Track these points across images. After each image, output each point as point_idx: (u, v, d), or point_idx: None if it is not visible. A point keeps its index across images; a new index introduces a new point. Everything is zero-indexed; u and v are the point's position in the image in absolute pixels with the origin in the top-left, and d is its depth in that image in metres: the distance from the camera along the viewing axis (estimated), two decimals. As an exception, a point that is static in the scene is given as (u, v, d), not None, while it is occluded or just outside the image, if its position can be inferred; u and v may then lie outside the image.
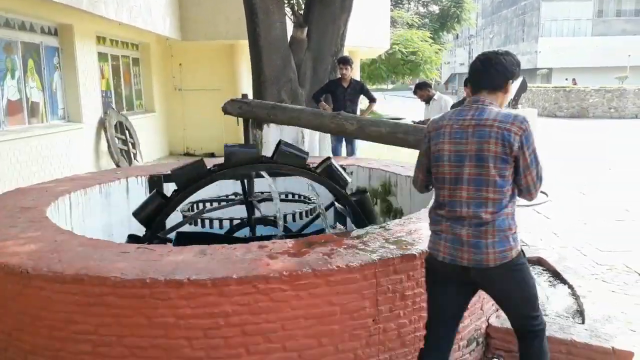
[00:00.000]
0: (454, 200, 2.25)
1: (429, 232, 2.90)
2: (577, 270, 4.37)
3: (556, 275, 4.23)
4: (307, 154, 3.76)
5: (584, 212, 6.97)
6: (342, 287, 2.44)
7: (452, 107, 6.22)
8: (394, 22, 23.80)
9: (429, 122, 2.43)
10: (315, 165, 3.85)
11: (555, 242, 5.49)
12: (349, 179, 3.81)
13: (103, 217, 4.65)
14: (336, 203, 3.94)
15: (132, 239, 3.36)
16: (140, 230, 3.76)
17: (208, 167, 3.62)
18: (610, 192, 8.28)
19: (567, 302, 3.72)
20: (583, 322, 3.34)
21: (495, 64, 2.28)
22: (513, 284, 2.30)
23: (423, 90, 6.99)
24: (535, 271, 4.40)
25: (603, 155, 12.30)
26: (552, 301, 3.75)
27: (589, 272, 4.44)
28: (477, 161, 2.19)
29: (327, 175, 3.65)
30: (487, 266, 2.21)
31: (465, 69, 61.10)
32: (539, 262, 4.53)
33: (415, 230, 2.99)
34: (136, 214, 3.43)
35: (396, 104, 36.58)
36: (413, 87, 7.45)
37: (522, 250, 2.30)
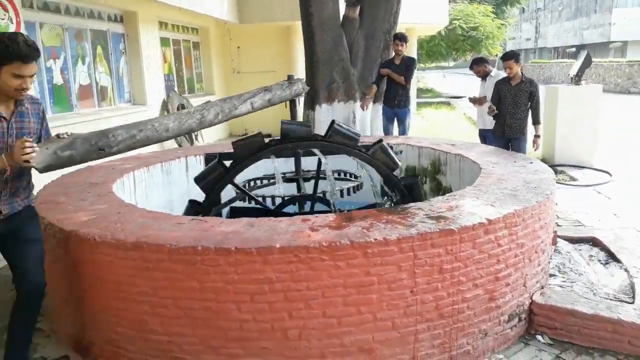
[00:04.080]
0: None
1: (467, 208, 2.94)
2: (634, 251, 4.23)
3: (610, 255, 4.13)
4: (359, 134, 3.83)
5: (650, 192, 6.63)
6: (379, 258, 2.54)
7: (495, 84, 6.08)
8: (454, -2, 23.09)
9: None
10: (369, 144, 3.92)
11: (614, 223, 5.30)
12: (399, 163, 3.85)
13: (165, 193, 4.96)
14: (384, 186, 4.00)
15: (193, 203, 3.61)
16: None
17: (267, 142, 3.76)
18: (681, 172, 7.81)
19: (619, 282, 3.64)
20: (633, 302, 3.27)
21: None
22: None
23: (479, 66, 6.81)
24: (588, 251, 4.31)
25: (678, 134, 11.53)
26: (602, 280, 3.68)
27: (648, 253, 4.29)
28: None
29: (378, 157, 3.71)
30: None
31: (532, 45, 58.39)
32: (593, 241, 4.43)
33: (457, 206, 3.03)
34: (197, 180, 3.65)
35: (456, 82, 35.63)
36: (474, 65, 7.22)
37: None
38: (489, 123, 6.62)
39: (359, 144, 3.77)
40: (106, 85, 8.54)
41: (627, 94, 22.63)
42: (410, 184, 3.89)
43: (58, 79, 7.26)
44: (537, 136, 6.04)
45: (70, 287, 2.99)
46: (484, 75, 6.80)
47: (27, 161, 2.43)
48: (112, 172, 4.40)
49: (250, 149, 3.63)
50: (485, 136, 6.78)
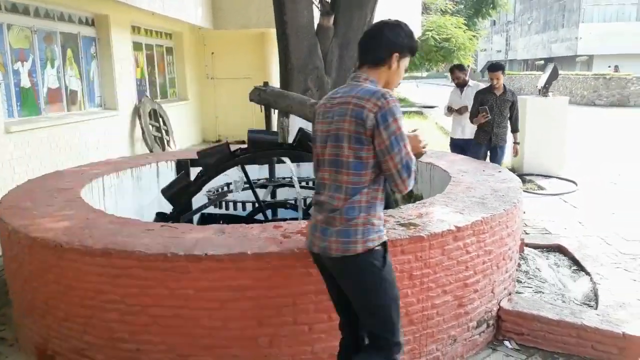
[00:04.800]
0: (320, 183, 2.13)
1: (436, 216, 2.99)
2: (598, 258, 4.36)
3: (575, 263, 4.25)
4: None
5: (613, 202, 6.85)
6: (350, 265, 2.55)
7: (476, 94, 6.15)
8: (427, 9, 23.50)
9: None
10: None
11: (579, 231, 5.45)
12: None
13: (135, 198, 4.89)
14: None
15: (160, 216, 3.55)
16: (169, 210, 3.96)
17: (233, 151, 3.77)
18: (643, 182, 8.08)
19: (583, 289, 3.74)
20: (596, 308, 3.37)
21: (377, 36, 2.11)
22: (353, 282, 2.08)
23: (462, 72, 6.83)
24: (553, 258, 4.42)
25: (639, 145, 11.94)
26: (567, 287, 3.78)
27: (611, 261, 4.42)
28: (335, 141, 2.04)
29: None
30: (330, 255, 2.05)
31: (502, 56, 59.75)
32: (559, 249, 4.55)
33: (427, 213, 3.07)
34: (164, 192, 3.63)
35: (429, 92, 36.18)
36: (448, 73, 7.26)
37: (381, 252, 2.05)
38: (469, 132, 6.58)
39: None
40: (76, 89, 8.38)
41: (592, 105, 23.35)
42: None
43: (26, 82, 7.10)
44: (517, 143, 6.21)
45: (35, 295, 2.91)
46: (462, 84, 6.81)
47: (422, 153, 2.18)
48: (81, 178, 4.31)
49: (216, 159, 3.62)
50: (460, 145, 6.71)
